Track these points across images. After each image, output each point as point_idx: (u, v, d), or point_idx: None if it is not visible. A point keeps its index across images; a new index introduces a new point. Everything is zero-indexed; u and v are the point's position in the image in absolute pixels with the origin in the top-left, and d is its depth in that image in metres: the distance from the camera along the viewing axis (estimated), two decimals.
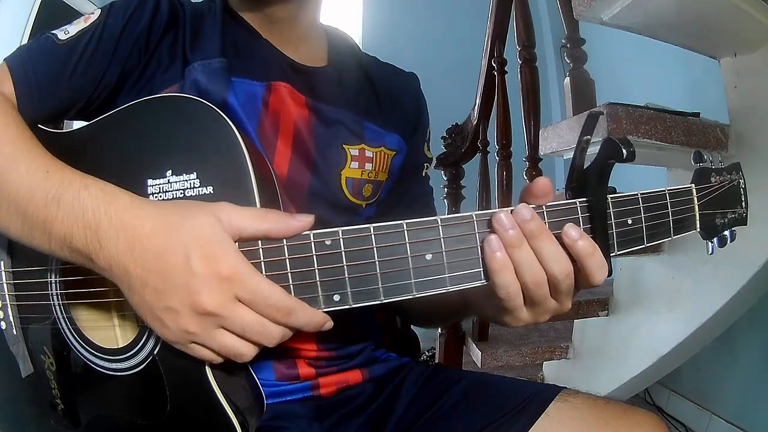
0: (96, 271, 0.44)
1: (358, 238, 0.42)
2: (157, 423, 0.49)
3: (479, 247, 0.43)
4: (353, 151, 0.66)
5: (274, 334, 0.42)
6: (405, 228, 0.42)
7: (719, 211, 0.52)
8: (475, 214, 0.43)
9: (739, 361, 1.72)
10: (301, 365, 0.64)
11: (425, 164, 0.77)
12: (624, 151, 0.42)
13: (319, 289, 0.42)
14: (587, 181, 0.45)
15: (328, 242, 0.42)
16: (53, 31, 0.56)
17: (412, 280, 0.42)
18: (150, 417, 0.49)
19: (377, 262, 0.42)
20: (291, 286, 0.42)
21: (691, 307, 1.30)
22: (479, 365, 1.54)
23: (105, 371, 0.51)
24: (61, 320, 0.54)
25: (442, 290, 0.42)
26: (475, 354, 1.59)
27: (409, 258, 0.42)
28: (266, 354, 0.61)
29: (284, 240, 0.42)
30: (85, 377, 0.53)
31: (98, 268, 0.43)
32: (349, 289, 0.42)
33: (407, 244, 0.42)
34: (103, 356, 0.51)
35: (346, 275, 0.42)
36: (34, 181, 0.45)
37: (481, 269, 0.43)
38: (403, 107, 0.73)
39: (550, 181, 0.45)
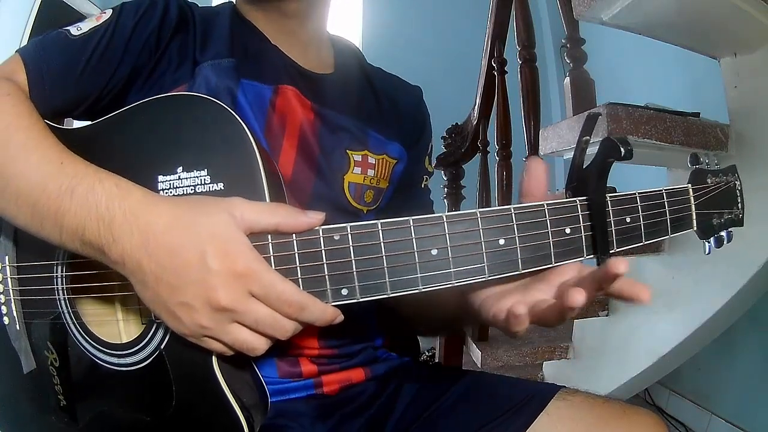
0: (107, 265, 0.44)
1: (365, 233, 0.43)
2: (161, 419, 0.49)
3: (483, 243, 0.43)
4: (356, 156, 0.67)
5: (287, 328, 0.43)
6: (411, 224, 0.43)
7: (716, 211, 0.54)
8: (479, 212, 0.44)
9: (739, 361, 1.72)
10: (303, 363, 0.64)
11: (425, 176, 0.78)
12: (622, 149, 0.43)
13: (328, 283, 0.43)
14: (587, 180, 0.46)
15: (336, 237, 0.43)
16: (66, 27, 0.57)
17: (419, 275, 0.43)
18: (154, 413, 0.49)
19: (384, 257, 0.42)
20: (300, 279, 0.43)
21: (691, 307, 1.30)
22: (479, 365, 1.54)
23: (110, 366, 0.51)
24: (67, 315, 0.54)
25: (448, 284, 0.43)
26: (475, 354, 1.59)
27: (416, 253, 0.43)
28: (269, 351, 0.61)
29: (294, 235, 0.43)
30: (88, 373, 0.53)
31: (110, 261, 0.43)
32: (356, 284, 0.43)
33: (413, 240, 0.43)
34: (109, 351, 0.52)
35: (354, 269, 0.43)
36: (47, 172, 0.45)
37: (485, 264, 0.44)
38: (404, 117, 0.74)
39: (548, 182, 0.46)
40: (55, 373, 0.55)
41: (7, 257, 0.57)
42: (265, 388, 0.52)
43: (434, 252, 0.43)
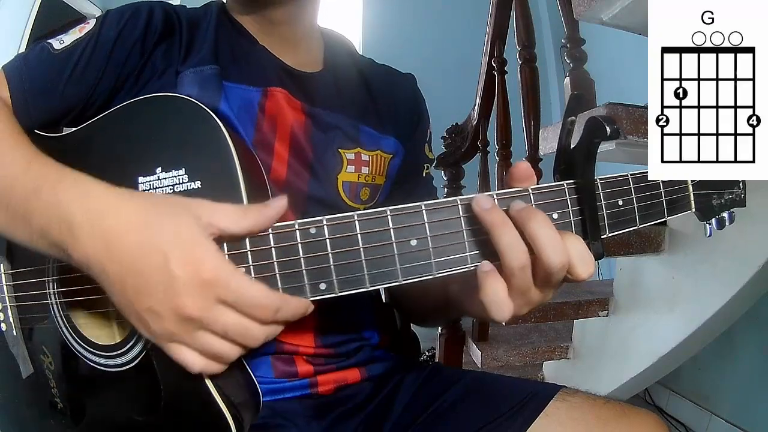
0: (75, 267, 0.43)
1: (342, 225, 0.42)
2: (152, 418, 0.49)
3: (464, 232, 0.42)
4: (349, 155, 0.66)
5: (257, 335, 0.41)
6: (389, 214, 0.42)
7: (715, 191, 0.51)
8: (459, 199, 0.42)
9: (739, 361, 1.72)
10: (299, 362, 0.64)
11: (426, 165, 0.77)
12: (608, 128, 0.41)
13: (305, 277, 0.42)
14: (574, 162, 0.44)
15: (312, 230, 0.42)
16: (49, 40, 0.57)
17: (398, 267, 0.42)
18: (145, 412, 0.49)
19: (362, 249, 0.42)
20: (277, 275, 0.42)
21: (691, 307, 1.30)
22: (479, 365, 1.54)
23: (101, 368, 0.51)
24: (59, 319, 0.54)
25: (428, 276, 0.42)
26: (475, 354, 1.59)
27: (394, 244, 0.42)
28: (264, 351, 0.61)
29: (269, 229, 0.42)
30: (81, 375, 0.53)
31: (75, 263, 0.42)
32: (334, 277, 0.42)
33: (391, 231, 0.42)
34: (99, 353, 0.52)
35: (332, 263, 0.42)
36: (16, 172, 0.45)
37: (468, 254, 0.42)
38: (399, 109, 0.73)
39: (540, 172, 0.45)
40: (51, 377, 0.55)
41: (2, 265, 0.57)
42: (257, 386, 0.51)
43: (413, 243, 0.42)
